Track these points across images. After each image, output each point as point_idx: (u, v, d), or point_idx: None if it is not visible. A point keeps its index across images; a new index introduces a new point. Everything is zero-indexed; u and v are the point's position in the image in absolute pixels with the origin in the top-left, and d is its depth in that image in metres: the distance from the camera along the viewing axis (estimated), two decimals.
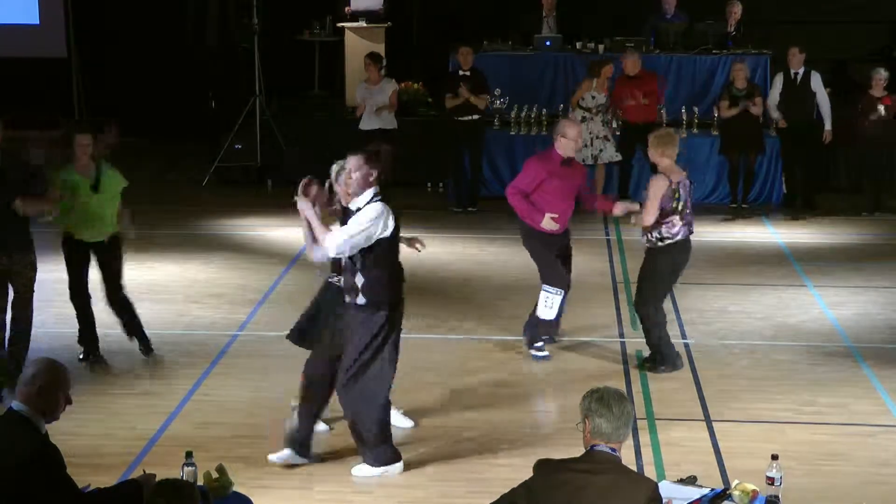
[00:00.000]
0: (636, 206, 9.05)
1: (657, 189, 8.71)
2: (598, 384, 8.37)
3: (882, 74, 14.09)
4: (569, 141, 9.21)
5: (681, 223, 8.80)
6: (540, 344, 9.39)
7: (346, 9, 16.28)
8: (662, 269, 8.92)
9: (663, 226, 8.77)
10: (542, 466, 4.88)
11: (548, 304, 9.20)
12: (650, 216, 8.72)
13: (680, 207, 8.76)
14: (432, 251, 12.60)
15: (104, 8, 18.58)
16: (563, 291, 9.21)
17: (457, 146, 14.49)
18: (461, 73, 14.33)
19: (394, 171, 14.24)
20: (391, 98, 14.28)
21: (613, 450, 4.80)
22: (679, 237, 8.82)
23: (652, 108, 14.28)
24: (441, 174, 15.17)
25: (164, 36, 18.43)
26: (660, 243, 8.81)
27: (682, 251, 8.94)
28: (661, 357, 9.02)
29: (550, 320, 9.31)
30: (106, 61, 18.49)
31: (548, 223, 9.11)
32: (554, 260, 9.31)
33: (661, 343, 9.02)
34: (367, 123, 14.30)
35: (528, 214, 9.20)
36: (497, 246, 12.85)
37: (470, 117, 14.32)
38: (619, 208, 9.28)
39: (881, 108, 13.98)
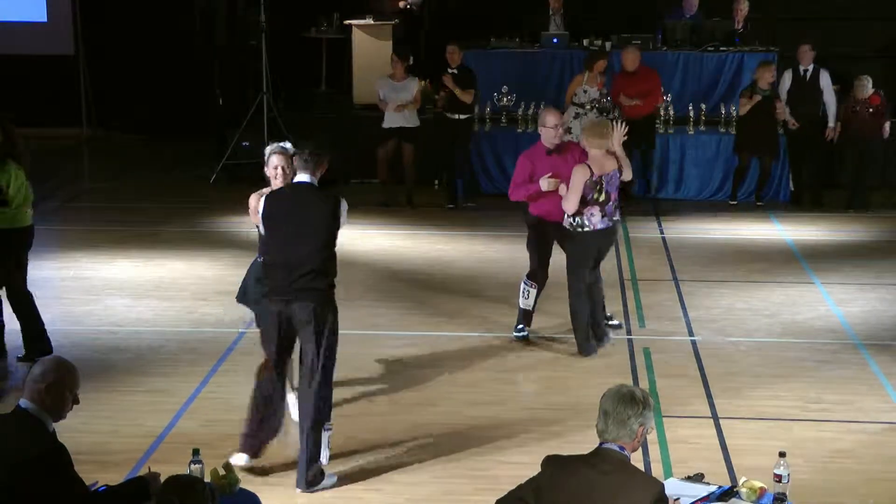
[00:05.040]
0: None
1: (577, 178, 8.91)
2: (605, 381, 8.43)
3: (865, 82, 14.10)
4: (548, 129, 9.32)
5: (600, 214, 9.00)
6: (520, 327, 9.68)
7: (401, 3, 16.32)
8: (581, 251, 9.23)
9: (583, 215, 8.99)
10: (551, 462, 4.89)
11: (523, 294, 9.60)
12: (572, 205, 8.94)
13: (601, 200, 8.94)
14: (440, 248, 12.65)
15: (111, 5, 18.61)
16: (535, 285, 9.58)
17: (448, 144, 14.49)
18: (450, 70, 14.32)
19: (411, 171, 14.44)
20: (416, 95, 14.28)
21: (622, 448, 4.80)
22: (598, 226, 9.06)
23: (648, 105, 14.24)
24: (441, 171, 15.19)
25: (172, 33, 18.46)
26: (578, 230, 9.06)
27: (590, 242, 9.15)
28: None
29: (525, 310, 9.65)
30: (113, 58, 18.51)
31: (546, 183, 9.16)
32: (540, 253, 9.57)
33: None
34: (390, 121, 14.28)
35: (528, 195, 9.34)
36: (503, 243, 12.84)
37: (457, 116, 14.31)
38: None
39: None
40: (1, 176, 8.75)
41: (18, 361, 8.99)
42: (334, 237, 7.02)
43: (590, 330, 9.32)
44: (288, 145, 7.56)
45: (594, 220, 9.00)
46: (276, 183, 7.52)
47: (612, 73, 14.65)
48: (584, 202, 8.92)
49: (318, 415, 7.04)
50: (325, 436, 7.12)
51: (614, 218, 9.13)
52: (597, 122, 9.13)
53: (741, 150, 14.39)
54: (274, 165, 7.55)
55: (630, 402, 4.80)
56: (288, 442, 7.48)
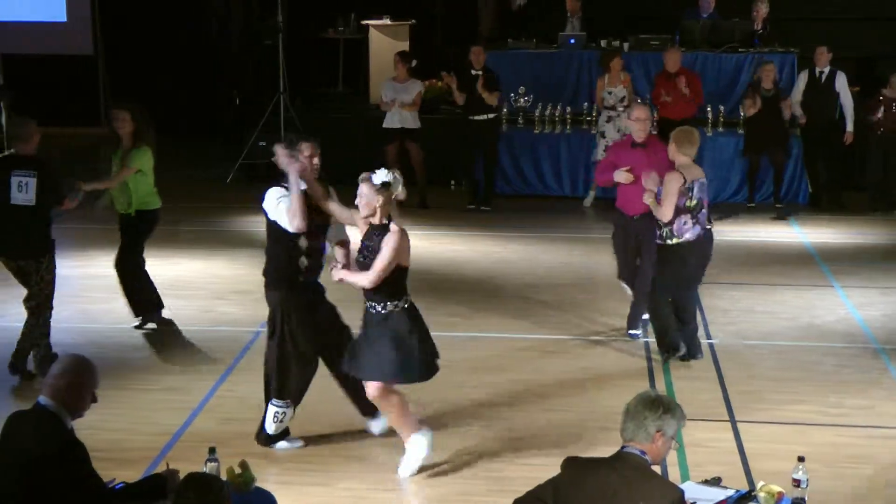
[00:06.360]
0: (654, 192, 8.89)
1: (672, 186, 8.68)
2: (623, 383, 8.45)
3: None
4: (632, 123, 9.49)
5: (692, 223, 8.79)
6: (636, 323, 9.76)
7: (514, 4, 16.36)
8: (675, 267, 8.93)
9: (674, 224, 8.78)
10: (570, 464, 4.87)
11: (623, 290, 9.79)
12: (668, 212, 8.70)
13: (691, 206, 8.75)
14: (456, 249, 12.64)
15: (130, 6, 18.66)
16: (625, 282, 9.73)
17: (470, 145, 14.46)
18: (473, 72, 14.28)
19: (421, 171, 14.39)
20: (415, 98, 14.25)
21: (643, 452, 4.77)
22: (688, 237, 8.82)
23: (692, 104, 14.12)
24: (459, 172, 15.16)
25: (190, 33, 18.50)
26: (668, 241, 8.83)
27: (693, 252, 8.90)
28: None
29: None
30: (131, 59, 18.56)
31: (620, 176, 9.27)
32: (620, 249, 9.69)
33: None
34: (390, 122, 14.28)
35: (605, 182, 9.70)
36: (521, 244, 12.83)
37: (484, 116, 14.27)
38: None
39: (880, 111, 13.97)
40: (138, 159, 9.39)
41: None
42: (271, 225, 7.29)
43: (677, 342, 9.14)
44: (381, 175, 6.90)
45: (685, 228, 8.77)
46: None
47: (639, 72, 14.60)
48: (677, 210, 8.72)
49: (267, 387, 7.50)
50: (269, 409, 7.44)
51: (707, 226, 8.88)
52: (686, 129, 9.09)
53: (749, 152, 14.33)
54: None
55: (651, 405, 4.78)
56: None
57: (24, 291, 8.80)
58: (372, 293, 6.95)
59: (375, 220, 6.96)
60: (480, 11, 16.70)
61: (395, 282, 6.93)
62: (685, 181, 8.68)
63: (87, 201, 9.55)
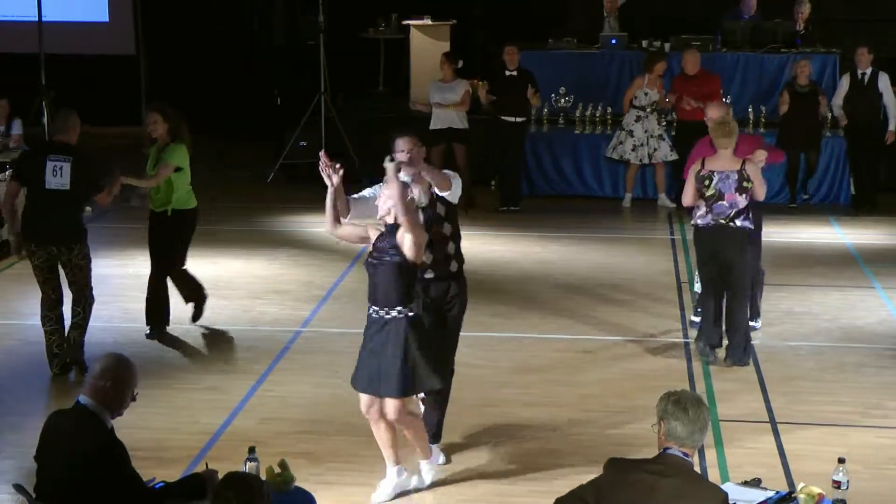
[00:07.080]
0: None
1: (691, 168, 9.03)
2: (662, 384, 8.40)
3: None
4: (709, 121, 9.42)
5: (705, 211, 8.88)
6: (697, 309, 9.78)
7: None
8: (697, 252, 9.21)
9: (693, 209, 9.07)
10: (613, 465, 4.85)
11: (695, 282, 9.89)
12: (685, 196, 9.07)
13: (707, 195, 8.83)
14: (496, 249, 12.64)
15: (172, 6, 18.79)
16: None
17: (494, 144, 14.41)
18: (507, 73, 14.22)
19: (465, 172, 14.39)
20: (463, 97, 14.20)
21: (686, 454, 4.74)
22: (698, 222, 8.97)
23: None
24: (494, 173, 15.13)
25: (231, 33, 18.60)
26: (691, 224, 9.14)
27: (699, 239, 9.04)
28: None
29: (697, 292, 9.71)
30: (173, 59, 18.69)
31: None
32: None
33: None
34: (436, 122, 14.21)
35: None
36: (560, 245, 12.81)
37: (513, 118, 14.20)
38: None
39: None
40: (176, 155, 9.38)
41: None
42: None
43: (712, 333, 9.10)
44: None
45: (697, 213, 8.95)
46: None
47: (670, 76, 14.55)
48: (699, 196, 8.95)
49: None
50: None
51: (721, 220, 8.81)
52: (721, 120, 9.11)
53: (784, 148, 14.23)
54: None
55: (704, 408, 4.77)
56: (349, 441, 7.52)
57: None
58: (411, 294, 6.91)
59: (391, 219, 6.87)
60: (570, 8, 16.66)
61: None
62: (701, 168, 8.87)
63: (121, 195, 9.62)
